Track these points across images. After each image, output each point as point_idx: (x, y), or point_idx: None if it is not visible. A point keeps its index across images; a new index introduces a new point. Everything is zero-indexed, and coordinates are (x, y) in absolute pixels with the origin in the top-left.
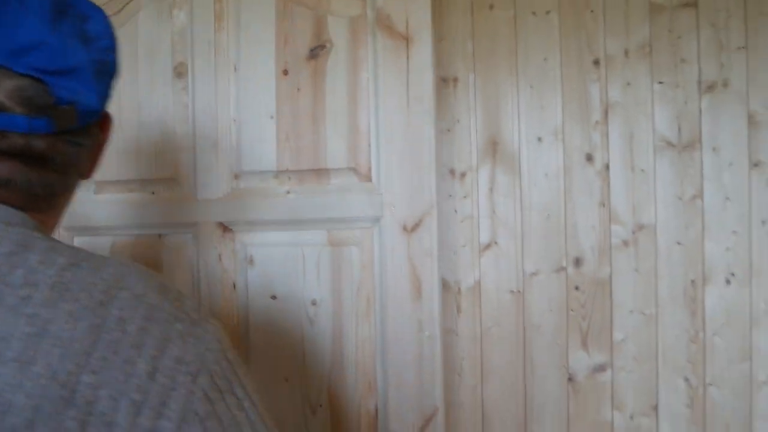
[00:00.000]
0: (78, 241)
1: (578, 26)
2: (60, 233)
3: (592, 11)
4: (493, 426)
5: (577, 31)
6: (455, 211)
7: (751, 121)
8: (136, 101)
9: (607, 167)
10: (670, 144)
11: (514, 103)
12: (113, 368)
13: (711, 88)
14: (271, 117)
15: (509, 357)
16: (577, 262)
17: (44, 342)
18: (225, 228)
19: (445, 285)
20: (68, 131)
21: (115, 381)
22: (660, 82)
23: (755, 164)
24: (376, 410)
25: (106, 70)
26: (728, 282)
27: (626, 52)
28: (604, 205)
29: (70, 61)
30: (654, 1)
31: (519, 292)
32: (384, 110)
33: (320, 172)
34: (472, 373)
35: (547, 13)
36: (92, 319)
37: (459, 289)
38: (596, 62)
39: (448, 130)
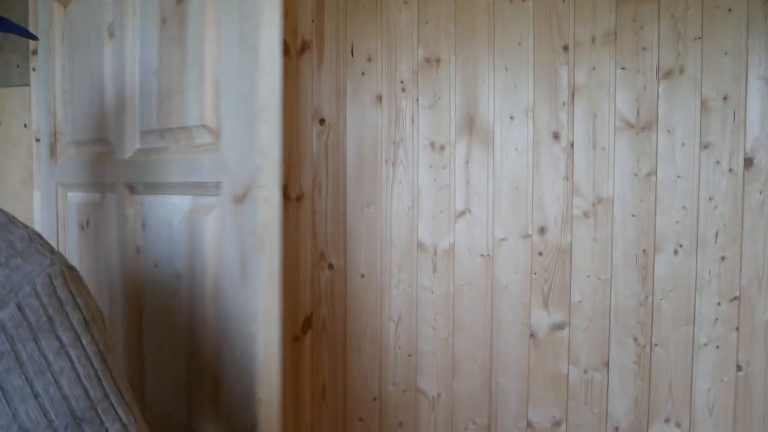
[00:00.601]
0: (69, 196)
1: (550, 14)
2: (57, 189)
3: (563, 0)
4: (462, 373)
5: (549, 19)
6: (434, 180)
7: (704, 106)
8: (87, 63)
9: (572, 145)
10: (629, 125)
11: (490, 83)
12: None
13: (668, 74)
14: (155, 71)
15: (478, 313)
16: (542, 230)
17: None
18: (132, 189)
19: (422, 247)
20: None
21: None
22: (622, 68)
23: (705, 146)
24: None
25: None
26: (676, 252)
27: (593, 39)
28: (567, 179)
29: None
30: None
31: (489, 255)
32: (226, 57)
33: (186, 131)
34: (444, 326)
35: (523, 0)
36: None
37: (435, 251)
38: (565, 47)
39: (431, 107)
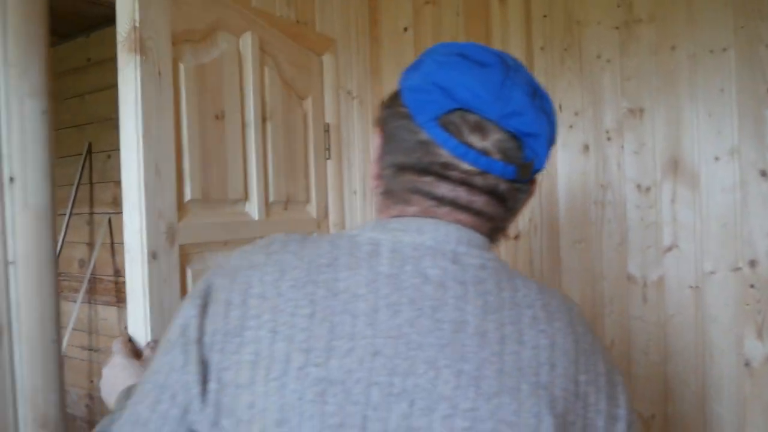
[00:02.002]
0: None
1: (753, 60)
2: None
3: (766, 46)
4: (675, 398)
5: (752, 65)
6: (641, 218)
7: None
8: None
9: None
10: None
11: (694, 127)
12: (589, 370)
13: None
14: None
15: (689, 341)
16: (752, 263)
17: (556, 351)
18: None
19: (632, 279)
20: (520, 182)
21: (593, 378)
22: None
23: None
24: None
25: (552, 141)
26: None
27: None
28: None
29: (537, 128)
30: None
31: (698, 287)
32: None
33: None
34: (656, 352)
35: (724, 50)
36: (571, 333)
37: (645, 282)
38: None
39: (635, 152)
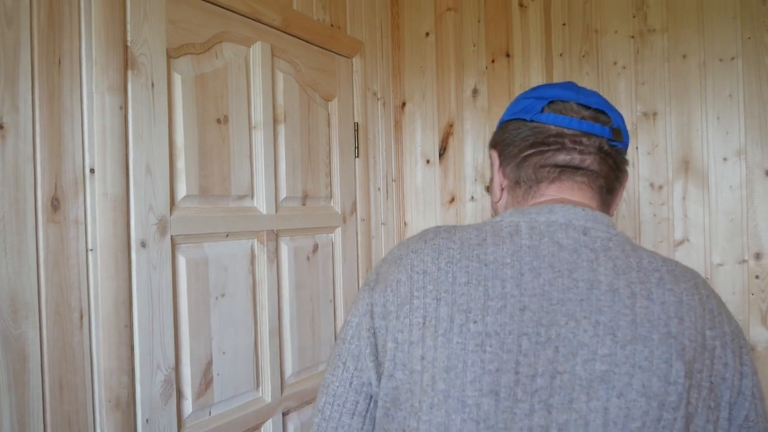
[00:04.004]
0: None
1: (759, 68)
2: None
3: None
4: None
5: (758, 72)
6: (654, 215)
7: None
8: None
9: None
10: None
11: (704, 130)
12: (716, 326)
13: None
14: None
15: None
16: (757, 256)
17: (683, 306)
18: None
19: None
20: (616, 145)
21: (720, 334)
22: None
23: None
24: None
25: (628, 137)
26: None
27: None
28: None
29: (611, 109)
30: None
31: (707, 278)
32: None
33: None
34: None
35: (732, 58)
36: (696, 294)
37: None
38: None
39: (649, 153)
